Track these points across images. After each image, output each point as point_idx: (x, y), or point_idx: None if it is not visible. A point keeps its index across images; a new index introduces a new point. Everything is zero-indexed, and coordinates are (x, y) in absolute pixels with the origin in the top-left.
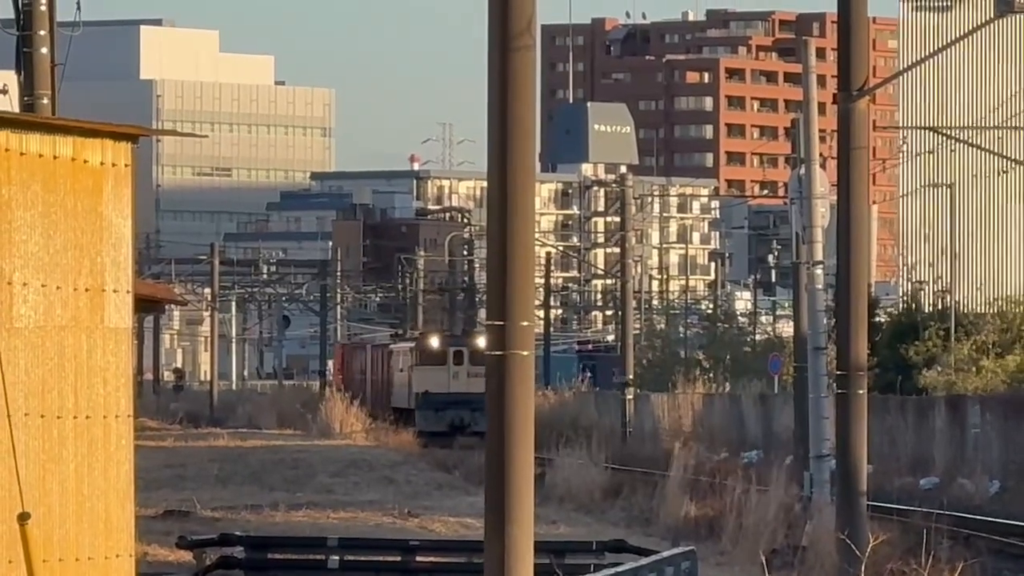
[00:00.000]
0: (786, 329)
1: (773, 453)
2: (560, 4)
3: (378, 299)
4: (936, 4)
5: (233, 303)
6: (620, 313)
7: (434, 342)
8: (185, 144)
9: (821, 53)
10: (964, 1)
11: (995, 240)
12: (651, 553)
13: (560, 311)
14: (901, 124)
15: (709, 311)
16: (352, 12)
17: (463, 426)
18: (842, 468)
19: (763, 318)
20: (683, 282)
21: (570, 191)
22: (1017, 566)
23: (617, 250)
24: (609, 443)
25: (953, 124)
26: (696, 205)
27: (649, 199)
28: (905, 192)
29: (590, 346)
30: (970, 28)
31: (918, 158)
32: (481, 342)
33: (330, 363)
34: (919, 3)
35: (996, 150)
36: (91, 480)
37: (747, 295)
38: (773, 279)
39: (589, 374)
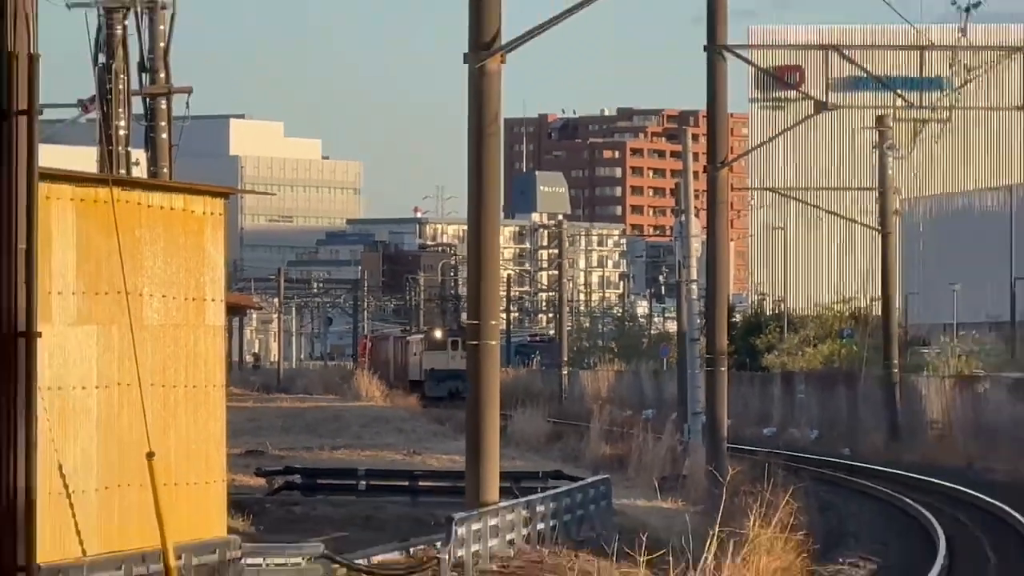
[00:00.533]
0: (672, 326)
1: (663, 411)
2: (516, 103)
3: (392, 306)
4: (774, 104)
5: (293, 308)
6: (558, 315)
7: (438, 333)
8: (260, 199)
9: (696, 137)
10: (792, 103)
11: (813, 265)
12: (579, 479)
13: (516, 314)
14: (750, 186)
15: (619, 314)
16: (374, 109)
17: (458, 392)
18: (710, 421)
19: (656, 319)
20: (601, 294)
21: (524, 232)
22: (830, 488)
23: (555, 272)
24: (551, 404)
25: (785, 186)
26: (610, 241)
27: (578, 237)
28: (753, 232)
29: (538, 338)
30: (797, 120)
31: (761, 209)
32: None
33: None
34: (763, 104)
35: (814, 203)
36: (196, 429)
37: (645, 303)
38: (663, 292)
39: (539, 356)
